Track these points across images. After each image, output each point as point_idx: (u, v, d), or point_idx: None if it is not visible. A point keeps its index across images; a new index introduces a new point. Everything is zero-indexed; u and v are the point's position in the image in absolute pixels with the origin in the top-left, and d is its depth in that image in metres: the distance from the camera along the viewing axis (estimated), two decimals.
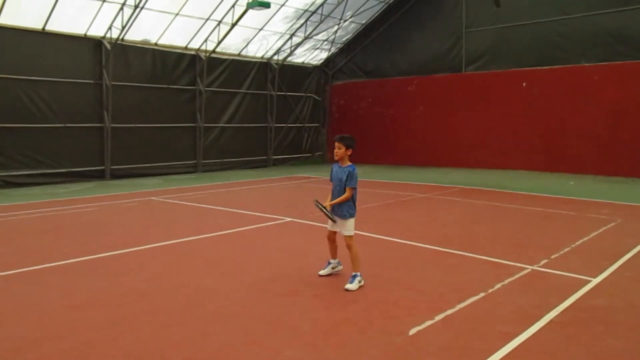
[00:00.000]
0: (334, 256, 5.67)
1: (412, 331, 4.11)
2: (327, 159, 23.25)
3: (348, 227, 5.35)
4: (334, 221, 5.40)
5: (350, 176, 5.27)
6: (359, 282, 5.20)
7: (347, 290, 5.09)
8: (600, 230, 7.94)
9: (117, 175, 16.14)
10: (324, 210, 5.34)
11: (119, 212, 10.13)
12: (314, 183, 15.14)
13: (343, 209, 5.36)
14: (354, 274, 5.25)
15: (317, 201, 5.38)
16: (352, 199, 5.37)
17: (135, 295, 5.07)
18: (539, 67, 17.32)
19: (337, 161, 5.46)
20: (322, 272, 5.62)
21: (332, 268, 5.64)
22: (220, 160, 19.39)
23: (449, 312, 4.52)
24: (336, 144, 5.35)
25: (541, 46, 17.21)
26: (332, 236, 5.57)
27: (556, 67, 16.93)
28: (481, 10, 18.41)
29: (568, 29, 16.69)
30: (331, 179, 5.51)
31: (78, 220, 9.34)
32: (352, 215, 5.36)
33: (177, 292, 5.17)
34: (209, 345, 3.90)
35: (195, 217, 9.58)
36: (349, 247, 5.34)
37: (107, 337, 4.04)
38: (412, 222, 9.14)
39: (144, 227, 8.78)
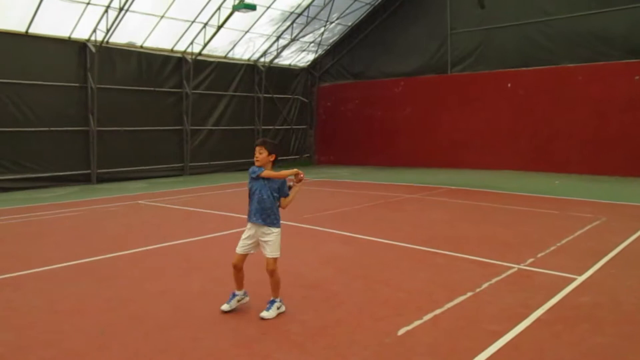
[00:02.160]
0: (240, 287, 4.71)
1: (401, 331, 4.13)
2: (315, 161, 23.28)
3: (273, 245, 4.52)
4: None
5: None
6: (277, 308, 4.53)
7: (262, 318, 4.41)
8: (586, 229, 8.04)
9: (103, 179, 15.99)
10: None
11: (105, 217, 10.02)
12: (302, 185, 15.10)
13: (271, 214, 4.59)
14: (272, 299, 4.57)
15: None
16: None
17: (122, 300, 5.02)
18: (523, 68, 17.51)
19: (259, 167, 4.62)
20: (225, 307, 4.62)
21: (238, 301, 4.70)
22: (207, 163, 19.30)
23: (437, 311, 4.55)
24: (257, 148, 4.58)
25: (526, 47, 17.40)
26: (240, 263, 4.61)
27: (541, 68, 17.12)
28: (466, 12, 18.56)
29: (552, 31, 16.90)
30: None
31: (63, 225, 9.23)
32: (279, 225, 4.57)
33: (165, 296, 5.13)
34: (198, 350, 3.88)
35: (182, 221, 9.52)
36: (271, 272, 4.51)
37: (94, 344, 3.99)
38: (400, 223, 9.17)
39: (130, 231, 8.70)
